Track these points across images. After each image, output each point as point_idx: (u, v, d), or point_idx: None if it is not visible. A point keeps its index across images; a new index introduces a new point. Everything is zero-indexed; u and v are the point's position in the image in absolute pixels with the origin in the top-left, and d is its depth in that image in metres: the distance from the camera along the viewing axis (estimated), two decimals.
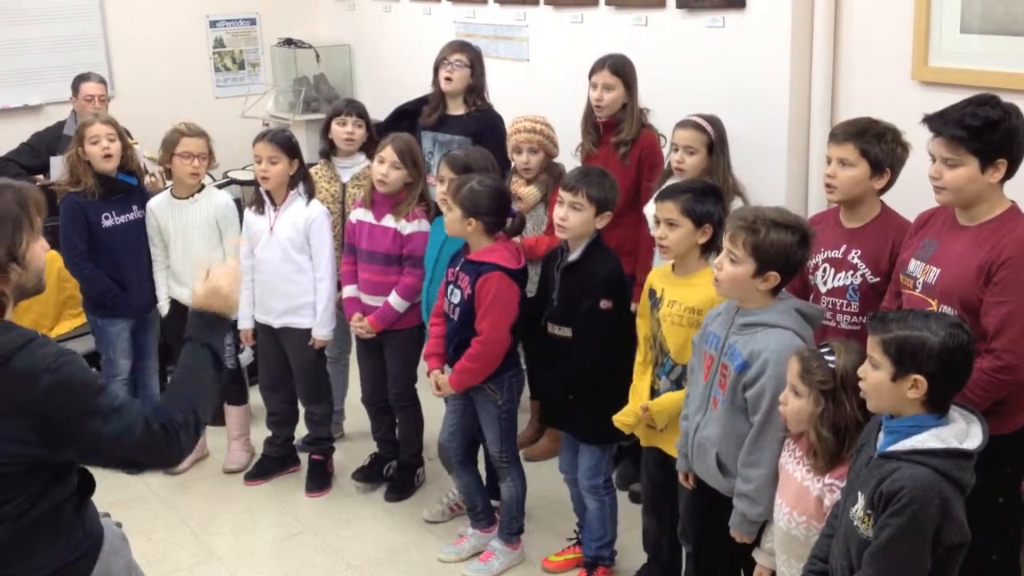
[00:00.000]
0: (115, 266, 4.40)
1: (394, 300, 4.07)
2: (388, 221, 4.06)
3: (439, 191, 3.92)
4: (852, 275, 3.15)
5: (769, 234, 2.78)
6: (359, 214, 4.15)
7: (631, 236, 4.05)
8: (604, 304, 3.37)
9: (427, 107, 4.73)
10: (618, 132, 4.17)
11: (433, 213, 4.13)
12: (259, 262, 4.25)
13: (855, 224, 3.19)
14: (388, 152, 4.01)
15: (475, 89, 4.63)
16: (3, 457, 2.12)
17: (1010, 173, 2.76)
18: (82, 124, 4.35)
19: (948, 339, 2.28)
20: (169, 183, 4.51)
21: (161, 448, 2.22)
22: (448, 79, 4.59)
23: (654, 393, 3.28)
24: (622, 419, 3.32)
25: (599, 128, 4.24)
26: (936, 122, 2.75)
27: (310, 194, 4.24)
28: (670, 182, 3.61)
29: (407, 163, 4.01)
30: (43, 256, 2.29)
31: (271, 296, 4.27)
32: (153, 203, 4.45)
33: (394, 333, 4.15)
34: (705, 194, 3.17)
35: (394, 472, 4.41)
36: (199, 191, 4.40)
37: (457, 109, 4.67)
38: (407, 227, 4.05)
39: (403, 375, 4.24)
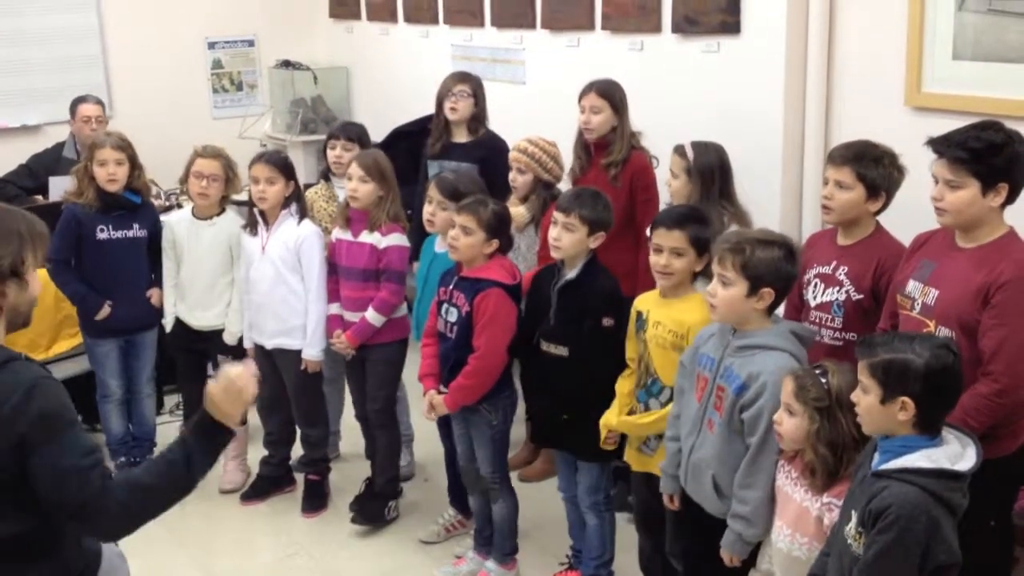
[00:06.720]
0: (103, 280, 4.42)
1: (371, 315, 4.08)
2: (364, 237, 4.09)
3: (426, 211, 3.95)
4: (838, 291, 3.19)
5: (756, 251, 2.82)
6: (339, 232, 4.19)
7: (626, 259, 4.05)
8: (607, 322, 3.40)
9: (431, 136, 4.82)
10: (608, 153, 4.20)
11: (413, 230, 4.19)
12: (252, 283, 4.26)
13: (847, 242, 3.24)
14: (354, 168, 4.07)
15: (478, 117, 4.75)
16: None
17: (1011, 198, 2.78)
18: (93, 143, 4.42)
19: (933, 360, 2.31)
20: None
21: (96, 502, 2.17)
22: (453, 109, 4.71)
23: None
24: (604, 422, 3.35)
25: (590, 150, 4.28)
26: (939, 144, 2.79)
27: (302, 214, 4.26)
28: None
29: (374, 176, 4.05)
30: (39, 288, 2.30)
31: (264, 317, 4.27)
32: (172, 217, 4.49)
33: (374, 348, 4.15)
34: (703, 221, 3.21)
35: (363, 493, 4.30)
36: (219, 214, 4.42)
37: (461, 137, 4.77)
38: (383, 241, 4.07)
39: (381, 391, 4.21)
